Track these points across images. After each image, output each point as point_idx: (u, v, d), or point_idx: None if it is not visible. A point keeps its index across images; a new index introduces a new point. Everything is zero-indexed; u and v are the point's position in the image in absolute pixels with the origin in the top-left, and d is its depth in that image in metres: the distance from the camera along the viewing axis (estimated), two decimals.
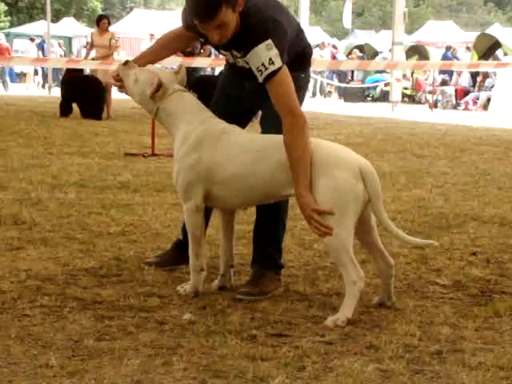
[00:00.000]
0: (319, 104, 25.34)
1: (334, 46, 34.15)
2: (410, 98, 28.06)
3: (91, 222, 5.90)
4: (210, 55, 17.31)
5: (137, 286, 4.27)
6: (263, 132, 4.40)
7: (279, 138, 4.02)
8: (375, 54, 32.69)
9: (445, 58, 28.64)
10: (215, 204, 4.26)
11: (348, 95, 29.18)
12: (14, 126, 14.22)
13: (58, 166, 9.17)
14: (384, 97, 27.68)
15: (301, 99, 4.30)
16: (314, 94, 31.05)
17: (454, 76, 27.24)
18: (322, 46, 32.47)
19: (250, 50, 3.99)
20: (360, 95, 28.91)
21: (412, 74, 27.78)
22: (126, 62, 4.40)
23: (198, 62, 15.82)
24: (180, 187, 4.18)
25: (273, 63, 3.96)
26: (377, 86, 28.75)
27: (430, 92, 25.84)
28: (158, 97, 4.26)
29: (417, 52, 31.23)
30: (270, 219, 4.42)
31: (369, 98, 29.19)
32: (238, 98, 4.44)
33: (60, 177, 8.23)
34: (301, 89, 4.33)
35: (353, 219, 3.86)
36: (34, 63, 23.79)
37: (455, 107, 25.68)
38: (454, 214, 6.64)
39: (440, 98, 26.21)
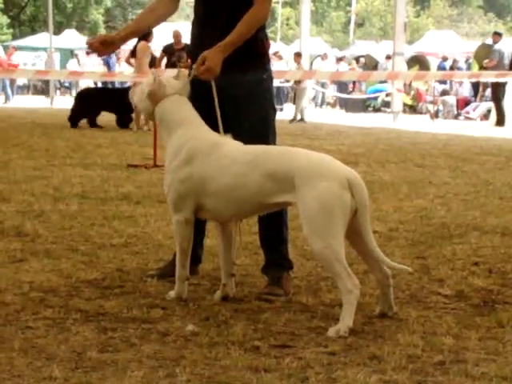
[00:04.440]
0: (321, 114, 25.40)
1: (341, 58, 34.10)
2: (411, 109, 28.09)
3: (94, 233, 5.91)
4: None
5: (140, 298, 4.27)
6: (236, 137, 4.46)
7: (269, 148, 4.17)
8: (376, 64, 32.76)
9: (440, 68, 28.82)
10: (207, 217, 4.30)
11: (349, 105, 29.24)
12: (16, 137, 14.28)
13: (60, 177, 9.20)
14: (386, 106, 27.77)
15: (272, 103, 4.48)
16: (316, 105, 31.13)
17: (455, 86, 27.30)
18: (324, 56, 32.55)
19: None
20: (361, 105, 28.96)
21: (410, 84, 27.80)
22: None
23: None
24: (170, 199, 4.23)
25: None
26: (378, 97, 28.79)
27: (431, 102, 25.86)
28: (155, 95, 4.27)
29: (418, 62, 31.28)
30: (274, 221, 4.50)
31: (370, 108, 29.24)
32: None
33: (62, 188, 8.25)
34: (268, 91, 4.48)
35: (342, 229, 3.86)
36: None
37: (456, 117, 25.73)
38: (455, 225, 6.64)
39: (441, 107, 26.26)
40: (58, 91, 36.57)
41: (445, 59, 30.21)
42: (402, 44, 23.19)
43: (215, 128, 4.32)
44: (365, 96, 29.36)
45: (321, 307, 4.24)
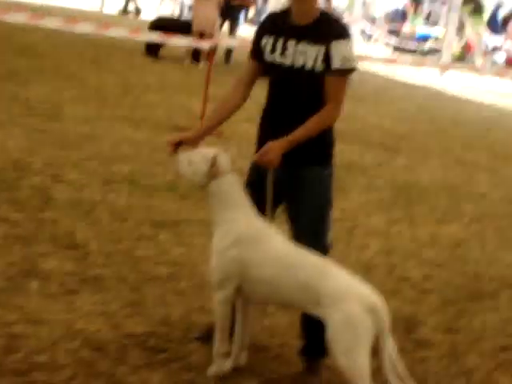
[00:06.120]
0: (369, 50, 25.09)
1: None
2: (459, 58, 27.75)
3: (141, 254, 6.10)
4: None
5: (183, 371, 4.52)
6: (294, 230, 4.65)
7: (306, 257, 4.31)
8: None
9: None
10: (243, 297, 4.51)
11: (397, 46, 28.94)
12: (65, 67, 14.36)
13: (109, 140, 9.40)
14: (433, 52, 27.46)
15: (330, 200, 4.62)
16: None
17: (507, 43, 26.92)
18: None
19: (333, 41, 4.36)
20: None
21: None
22: (179, 144, 4.57)
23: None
24: (215, 278, 4.42)
25: (354, 61, 4.44)
26: (427, 41, 28.46)
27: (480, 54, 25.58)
28: (211, 176, 4.43)
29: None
30: None
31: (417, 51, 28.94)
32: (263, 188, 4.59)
33: (112, 162, 8.45)
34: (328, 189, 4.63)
35: (366, 349, 4.04)
36: None
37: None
38: (489, 277, 6.80)
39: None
40: None
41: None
42: None
43: (263, 213, 4.50)
44: (413, 46, 28.91)
45: None
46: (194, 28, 17.44)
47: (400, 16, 31.37)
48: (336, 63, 4.40)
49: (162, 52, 17.60)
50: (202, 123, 4.86)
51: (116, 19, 25.29)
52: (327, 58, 4.40)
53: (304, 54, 4.43)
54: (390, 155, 11.29)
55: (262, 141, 4.59)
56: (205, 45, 12.65)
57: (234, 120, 11.21)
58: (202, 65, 17.15)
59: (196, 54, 17.68)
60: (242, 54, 17.88)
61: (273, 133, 4.50)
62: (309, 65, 4.43)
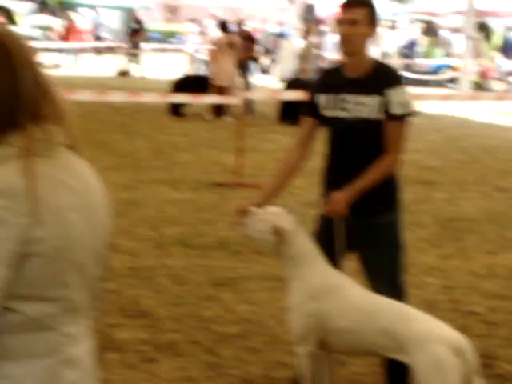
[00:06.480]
0: None
1: None
2: (478, 86, 27.81)
3: (207, 314, 6.16)
4: None
5: None
6: (370, 278, 4.69)
7: (385, 303, 4.34)
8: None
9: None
10: (327, 350, 4.53)
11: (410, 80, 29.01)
12: (97, 132, 14.51)
13: (152, 204, 9.50)
14: (450, 82, 27.54)
15: (402, 244, 4.74)
16: None
17: None
18: None
19: (389, 89, 4.46)
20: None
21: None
22: (243, 211, 4.62)
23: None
24: (296, 334, 4.45)
25: (411, 106, 4.54)
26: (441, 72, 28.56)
27: (498, 79, 25.65)
28: (279, 241, 4.49)
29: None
30: None
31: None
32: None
33: (160, 225, 8.54)
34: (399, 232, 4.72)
35: None
36: None
37: None
38: None
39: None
40: None
41: None
42: None
43: (335, 264, 4.54)
44: (427, 76, 28.97)
45: None
46: (213, 82, 17.61)
47: (412, 48, 31.54)
48: (394, 110, 4.49)
49: (184, 109, 17.82)
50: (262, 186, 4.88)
51: (118, 82, 25.57)
52: (386, 106, 4.48)
53: (362, 105, 4.52)
54: (429, 189, 11.33)
55: (326, 191, 4.66)
56: (234, 100, 12.80)
57: (270, 170, 11.33)
58: (228, 119, 17.36)
59: (218, 109, 17.85)
60: (264, 105, 18.19)
61: (337, 183, 4.57)
62: (368, 115, 4.51)
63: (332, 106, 4.61)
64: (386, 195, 4.64)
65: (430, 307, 6.37)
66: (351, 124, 4.55)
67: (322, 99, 4.64)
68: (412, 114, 4.56)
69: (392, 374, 4.76)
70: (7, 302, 2.05)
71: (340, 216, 4.52)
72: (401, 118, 4.52)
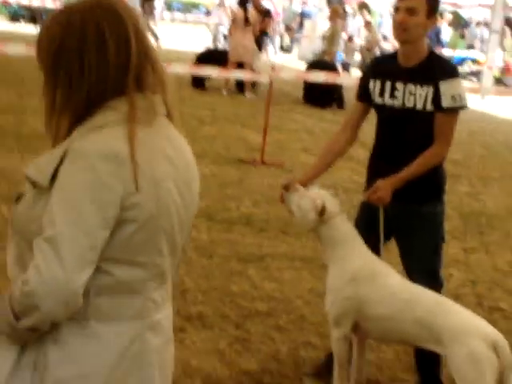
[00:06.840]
0: None
1: None
2: (499, 82, 27.68)
3: (235, 289, 6.20)
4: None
5: None
6: (407, 266, 4.72)
7: (423, 293, 4.35)
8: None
9: None
10: (360, 335, 4.57)
11: None
12: None
13: None
14: (472, 74, 27.41)
15: (443, 235, 4.70)
16: None
17: None
18: None
19: (442, 80, 4.44)
20: None
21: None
22: (288, 186, 4.64)
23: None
24: (332, 316, 4.48)
25: (464, 99, 4.52)
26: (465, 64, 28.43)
27: None
28: (320, 221, 4.51)
29: None
30: None
31: None
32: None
33: None
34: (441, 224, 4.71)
35: None
36: None
37: None
38: None
39: None
40: None
41: None
42: None
43: (374, 250, 4.57)
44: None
45: None
46: (231, 58, 17.53)
47: (436, 38, 31.35)
48: (445, 102, 4.48)
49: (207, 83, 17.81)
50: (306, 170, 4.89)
51: None
52: (437, 98, 4.48)
53: (413, 95, 4.52)
54: (451, 182, 11.22)
55: (371, 178, 4.67)
56: (264, 78, 12.77)
57: (293, 150, 11.27)
58: (249, 95, 17.31)
59: (240, 85, 17.80)
60: (288, 84, 18.13)
61: (383, 171, 4.58)
62: (419, 105, 4.50)
63: (382, 92, 4.62)
64: (432, 185, 4.65)
65: (455, 300, 6.39)
66: (398, 112, 4.55)
67: (374, 85, 4.64)
68: (463, 107, 4.56)
69: (423, 364, 4.79)
70: (101, 264, 2.08)
71: (383, 204, 4.54)
72: (451, 111, 4.51)
